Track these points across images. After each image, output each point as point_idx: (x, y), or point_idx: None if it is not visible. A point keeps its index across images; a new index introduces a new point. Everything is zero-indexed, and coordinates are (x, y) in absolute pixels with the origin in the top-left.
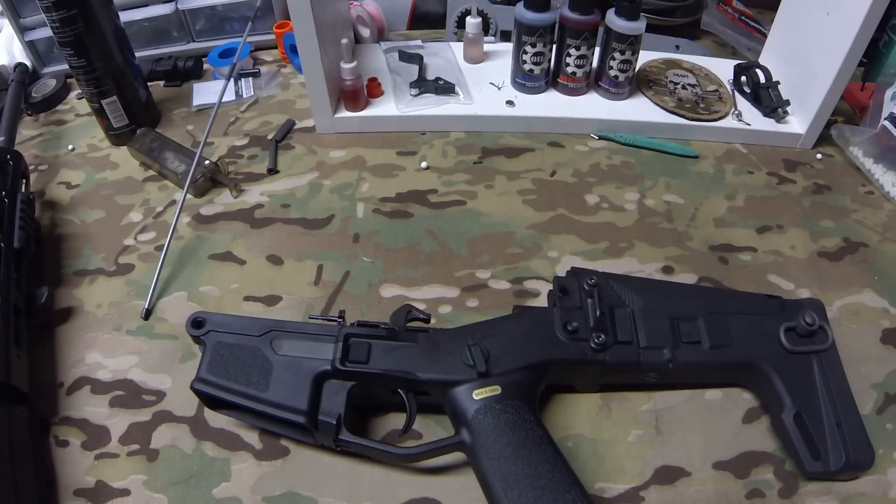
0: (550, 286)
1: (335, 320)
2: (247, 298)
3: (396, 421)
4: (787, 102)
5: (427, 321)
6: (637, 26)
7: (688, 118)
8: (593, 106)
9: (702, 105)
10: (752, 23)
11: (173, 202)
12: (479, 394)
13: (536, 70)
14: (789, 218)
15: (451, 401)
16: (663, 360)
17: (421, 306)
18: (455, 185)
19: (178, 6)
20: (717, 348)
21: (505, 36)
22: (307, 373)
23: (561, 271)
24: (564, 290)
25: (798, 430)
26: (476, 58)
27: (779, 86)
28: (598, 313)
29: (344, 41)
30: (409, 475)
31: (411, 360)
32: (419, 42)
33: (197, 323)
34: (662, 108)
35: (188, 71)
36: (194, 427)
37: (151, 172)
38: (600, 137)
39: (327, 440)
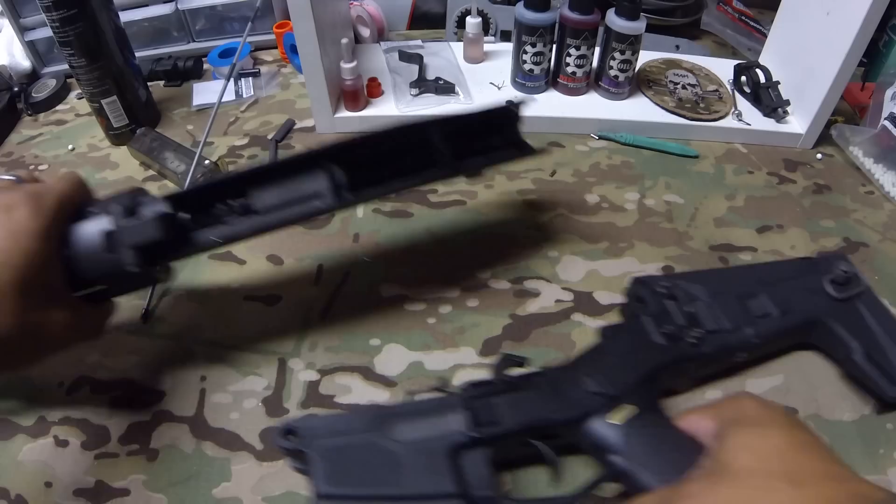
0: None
1: (440, 390)
2: (247, 298)
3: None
4: (787, 102)
5: (523, 364)
6: (637, 26)
7: (688, 118)
8: (593, 106)
9: (702, 105)
10: (752, 23)
11: None
12: (616, 418)
13: (536, 70)
14: (789, 218)
15: (589, 434)
16: (750, 337)
17: (420, 306)
18: (455, 184)
19: (178, 6)
20: (785, 314)
21: (505, 36)
22: (440, 451)
23: (561, 271)
24: (641, 300)
25: (871, 364)
26: (476, 58)
27: (779, 86)
28: (686, 311)
29: (344, 41)
30: None
31: (541, 407)
32: (419, 42)
33: (289, 433)
34: (662, 108)
35: (188, 71)
36: (194, 427)
37: (151, 172)
38: (600, 137)
39: None
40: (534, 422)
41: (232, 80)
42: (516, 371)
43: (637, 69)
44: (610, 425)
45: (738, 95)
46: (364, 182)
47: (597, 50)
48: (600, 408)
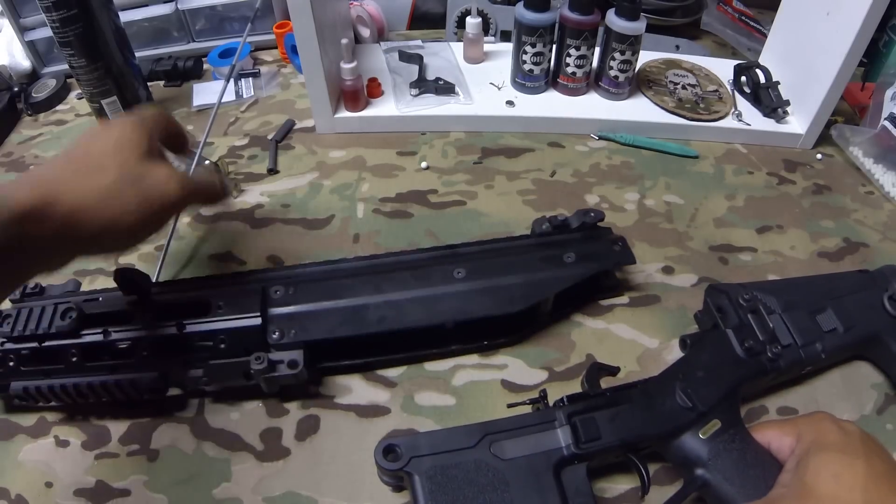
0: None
1: (538, 402)
2: None
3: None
4: (787, 102)
5: (615, 373)
6: (637, 26)
7: (688, 118)
8: (593, 106)
9: (702, 105)
10: (752, 23)
11: None
12: (706, 433)
13: (536, 70)
14: (789, 218)
15: (680, 448)
16: (818, 353)
17: None
18: (455, 185)
19: (178, 6)
20: (849, 330)
21: (505, 36)
22: (545, 469)
23: None
24: (720, 309)
25: None
26: (476, 58)
27: (779, 86)
28: (770, 327)
29: (344, 41)
30: None
31: (638, 421)
32: (419, 42)
33: (390, 451)
34: (662, 108)
35: (188, 71)
36: (195, 427)
37: None
38: (600, 137)
39: None
40: (632, 437)
41: (232, 80)
42: (601, 380)
43: (637, 69)
44: (699, 440)
45: (738, 95)
46: (472, 331)
47: (597, 50)
48: (692, 423)
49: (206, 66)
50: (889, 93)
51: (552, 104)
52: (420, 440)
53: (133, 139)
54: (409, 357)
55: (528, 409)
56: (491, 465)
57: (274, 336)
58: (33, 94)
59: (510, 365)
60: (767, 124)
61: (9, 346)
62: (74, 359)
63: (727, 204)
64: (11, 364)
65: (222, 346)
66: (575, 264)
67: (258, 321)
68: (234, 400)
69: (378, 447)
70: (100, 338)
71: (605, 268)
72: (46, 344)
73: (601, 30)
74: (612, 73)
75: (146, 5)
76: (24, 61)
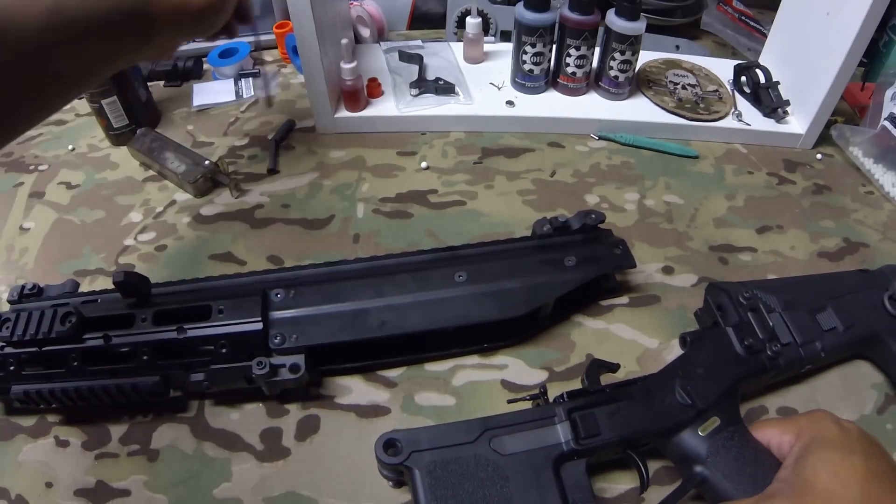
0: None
1: (538, 398)
2: None
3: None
4: (787, 102)
5: (615, 370)
6: (637, 26)
7: (688, 118)
8: (593, 106)
9: (702, 105)
10: (752, 23)
11: (173, 202)
12: (705, 430)
13: (536, 70)
14: (789, 218)
15: (679, 445)
16: (818, 351)
17: None
18: (455, 185)
19: None
20: (849, 329)
21: (505, 36)
22: (544, 464)
23: None
24: (720, 307)
25: None
26: (476, 58)
27: (779, 86)
28: (770, 325)
29: (344, 41)
30: None
31: (637, 418)
32: (419, 42)
33: (390, 445)
34: (662, 108)
35: (188, 71)
36: (195, 427)
37: (151, 172)
38: (600, 137)
39: None
40: (631, 433)
41: (232, 80)
42: (601, 376)
43: (637, 69)
44: (698, 437)
45: (738, 96)
46: (472, 334)
47: (597, 50)
48: (691, 420)
49: (206, 66)
50: (889, 93)
51: (552, 104)
52: (420, 435)
53: None
54: (409, 359)
55: (528, 404)
56: (490, 460)
57: (275, 341)
58: None
59: (510, 365)
60: (767, 124)
61: (9, 350)
62: (75, 363)
63: (727, 204)
64: (12, 368)
65: (223, 350)
66: (576, 268)
67: (259, 326)
68: (234, 401)
69: (378, 441)
70: (100, 342)
71: (606, 271)
72: (46, 349)
73: (601, 30)
74: (612, 73)
75: None
76: None
